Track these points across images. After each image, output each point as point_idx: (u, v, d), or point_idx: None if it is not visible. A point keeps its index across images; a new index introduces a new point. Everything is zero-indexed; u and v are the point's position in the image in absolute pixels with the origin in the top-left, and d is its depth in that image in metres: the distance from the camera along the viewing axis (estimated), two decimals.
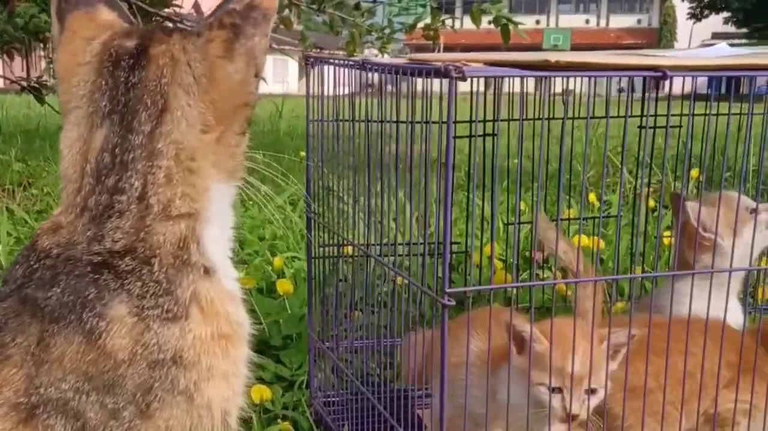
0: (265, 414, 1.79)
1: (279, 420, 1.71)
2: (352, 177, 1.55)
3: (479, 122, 1.79)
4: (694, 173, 3.56)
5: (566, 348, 1.30)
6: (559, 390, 1.32)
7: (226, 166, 0.97)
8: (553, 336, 1.31)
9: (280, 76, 22.64)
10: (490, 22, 4.87)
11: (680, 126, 1.94)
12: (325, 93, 1.61)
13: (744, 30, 30.07)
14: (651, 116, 1.90)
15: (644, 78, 1.57)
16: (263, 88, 1.15)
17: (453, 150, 1.12)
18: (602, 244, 2.56)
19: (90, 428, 0.89)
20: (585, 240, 2.55)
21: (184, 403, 0.92)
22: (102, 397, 0.89)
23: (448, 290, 1.17)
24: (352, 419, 1.64)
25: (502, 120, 1.82)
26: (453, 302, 1.19)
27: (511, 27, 5.51)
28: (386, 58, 1.39)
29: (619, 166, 4.56)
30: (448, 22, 6.11)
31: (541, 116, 1.51)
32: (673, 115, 1.93)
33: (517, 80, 1.38)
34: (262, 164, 1.08)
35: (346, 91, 1.57)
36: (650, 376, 1.40)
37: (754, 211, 1.63)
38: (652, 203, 3.56)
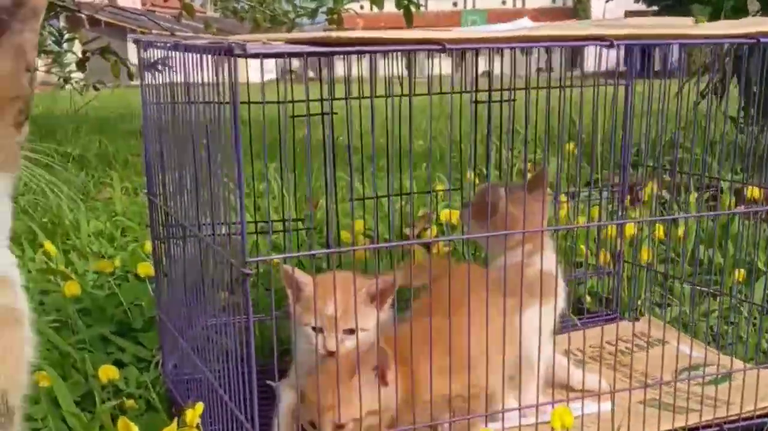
0: (117, 394, 1.83)
1: (124, 398, 1.74)
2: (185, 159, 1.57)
3: (313, 101, 1.85)
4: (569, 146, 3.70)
5: (327, 293, 1.49)
6: (321, 330, 1.52)
7: None
8: (317, 284, 1.51)
9: None
10: None
11: (514, 100, 2.05)
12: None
13: (654, 8, 30.76)
14: (483, 90, 2.01)
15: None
16: None
17: (238, 129, 1.17)
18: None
19: None
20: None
21: None
22: None
23: (248, 260, 1.23)
24: (203, 396, 1.67)
25: (337, 99, 1.90)
26: (252, 272, 1.24)
27: (413, 9, 5.61)
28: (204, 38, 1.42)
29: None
30: (352, 5, 6.18)
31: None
32: (504, 89, 2.04)
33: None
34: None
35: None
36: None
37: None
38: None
